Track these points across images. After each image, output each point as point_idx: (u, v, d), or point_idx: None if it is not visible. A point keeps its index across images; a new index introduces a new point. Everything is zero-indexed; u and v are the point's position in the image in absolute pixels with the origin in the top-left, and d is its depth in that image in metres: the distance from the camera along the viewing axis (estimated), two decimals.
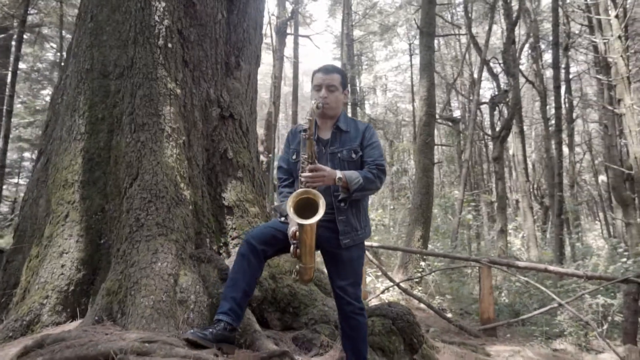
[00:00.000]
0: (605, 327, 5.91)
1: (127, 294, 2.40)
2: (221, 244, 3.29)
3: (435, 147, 13.93)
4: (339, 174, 2.34)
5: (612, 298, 6.10)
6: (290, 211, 2.21)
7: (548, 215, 22.90)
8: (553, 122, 17.97)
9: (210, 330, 2.20)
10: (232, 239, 3.34)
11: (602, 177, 30.47)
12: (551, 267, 5.92)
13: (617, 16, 15.39)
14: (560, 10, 22.81)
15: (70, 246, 2.84)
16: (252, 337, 2.55)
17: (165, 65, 3.30)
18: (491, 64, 14.11)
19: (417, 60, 30.79)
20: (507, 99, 12.44)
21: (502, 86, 13.46)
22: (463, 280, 8.51)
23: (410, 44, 24.54)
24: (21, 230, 3.39)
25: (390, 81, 38.90)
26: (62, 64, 4.02)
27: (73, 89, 3.36)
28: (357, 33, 26.46)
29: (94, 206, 3.01)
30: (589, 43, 21.86)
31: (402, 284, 6.58)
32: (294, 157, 2.56)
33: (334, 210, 2.42)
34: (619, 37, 15.48)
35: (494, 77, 13.71)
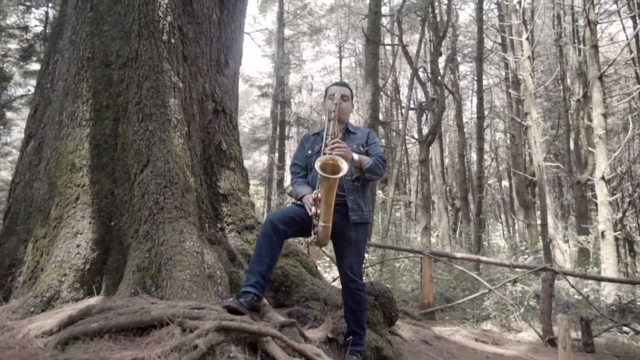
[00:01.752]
0: (522, 310, 6.80)
1: (160, 269, 2.61)
2: (217, 229, 3.54)
3: None
4: (355, 155, 2.78)
5: (528, 286, 7.03)
6: (317, 168, 2.59)
7: (458, 216, 24.75)
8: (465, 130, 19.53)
9: (243, 299, 2.50)
10: (228, 225, 3.61)
11: (505, 182, 33.35)
12: (483, 258, 6.73)
13: (527, 38, 17.11)
14: (476, 25, 24.68)
15: (83, 227, 2.97)
16: (262, 310, 2.86)
17: (168, 59, 3.49)
18: (420, 73, 15.12)
19: (345, 62, 31.61)
20: (434, 106, 13.43)
21: (429, 94, 14.49)
22: (400, 272, 9.23)
23: (340, 47, 25.30)
24: (13, 212, 3.41)
25: (316, 82, 39.66)
26: (45, 48, 4.01)
27: (73, 76, 3.43)
28: (287, 32, 26.85)
29: (104, 190, 3.14)
30: (500, 59, 23.93)
31: None
32: (309, 152, 2.99)
33: (344, 192, 2.83)
34: (529, 57, 17.22)
35: (422, 85, 14.71)
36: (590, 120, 17.04)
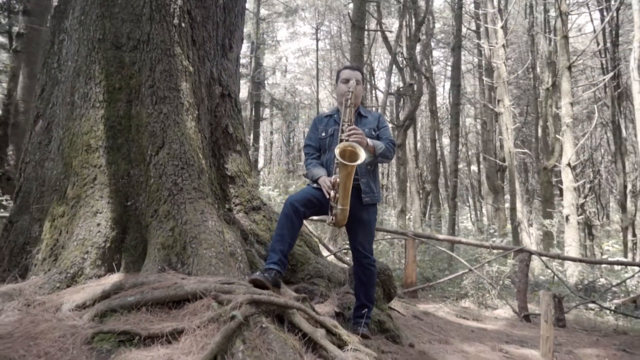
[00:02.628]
0: (497, 289, 7.21)
1: (185, 247, 2.75)
2: (226, 210, 3.67)
3: None
4: (369, 140, 2.97)
5: (503, 265, 7.44)
6: (337, 156, 2.77)
7: (428, 199, 25.33)
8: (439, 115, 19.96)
9: (266, 275, 2.67)
10: (235, 206, 3.75)
11: (474, 167, 34.22)
12: (464, 240, 7.07)
13: (502, 27, 17.49)
14: (450, 12, 24.99)
15: (102, 207, 3.06)
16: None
17: (179, 43, 3.56)
18: (398, 58, 15.32)
19: (322, 45, 31.48)
20: (412, 92, 13.70)
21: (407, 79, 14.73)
22: (380, 253, 9.54)
23: (316, 29, 25.22)
24: (24, 191, 3.46)
25: (290, 63, 39.48)
26: (50, 26, 3.99)
27: (84, 57, 3.47)
28: (262, 12, 26.57)
29: (120, 171, 3.22)
30: (474, 46, 24.37)
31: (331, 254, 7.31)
32: (323, 134, 3.16)
33: (358, 175, 3.02)
34: (503, 45, 17.63)
35: (400, 70, 14.94)
36: (558, 108, 17.69)
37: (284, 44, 33.71)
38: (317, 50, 24.41)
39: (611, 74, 19.07)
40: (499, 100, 17.89)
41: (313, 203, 2.98)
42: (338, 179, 2.86)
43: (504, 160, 19.12)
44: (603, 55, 22.67)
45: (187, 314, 2.29)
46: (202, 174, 3.23)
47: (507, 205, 19.70)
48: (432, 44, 26.68)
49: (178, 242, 2.79)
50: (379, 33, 16.64)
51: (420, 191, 25.49)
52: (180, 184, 3.05)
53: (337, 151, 2.81)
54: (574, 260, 8.24)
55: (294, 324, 2.39)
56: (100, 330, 2.16)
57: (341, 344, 2.49)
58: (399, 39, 13.76)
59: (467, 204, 39.16)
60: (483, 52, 20.86)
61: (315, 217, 6.99)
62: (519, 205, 15.92)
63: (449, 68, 25.86)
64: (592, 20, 23.61)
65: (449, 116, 22.50)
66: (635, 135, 19.14)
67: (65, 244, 2.97)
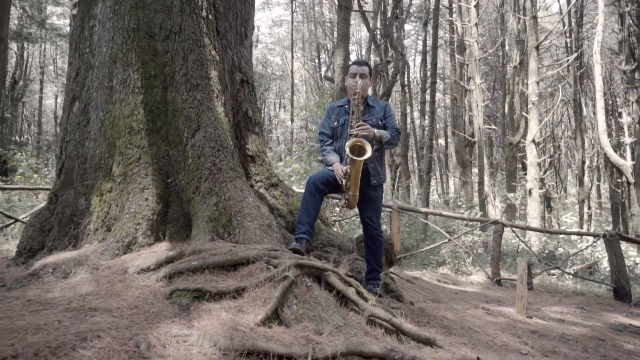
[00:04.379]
0: (471, 257, 7.93)
1: (231, 219, 3.19)
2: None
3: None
4: (376, 131, 3.43)
5: (477, 237, 8.16)
6: (347, 152, 3.25)
7: (397, 172, 26.13)
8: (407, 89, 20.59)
9: (299, 243, 3.16)
10: (256, 182, 4.18)
11: (441, 141, 35.22)
12: (444, 212, 7.71)
13: (475, 5, 18.01)
14: None
15: (148, 183, 3.45)
16: None
17: (207, 34, 3.91)
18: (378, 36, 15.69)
19: (295, 16, 31.32)
20: (389, 68, 14.15)
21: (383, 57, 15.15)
22: (357, 224, 10.15)
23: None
24: (67, 168, 3.78)
25: (262, 33, 39.04)
26: (78, 12, 4.23)
27: (119, 44, 3.77)
28: None
29: (161, 151, 3.60)
30: (446, 22, 24.84)
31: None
32: (335, 123, 3.60)
33: (367, 161, 3.50)
34: (476, 24, 18.20)
35: (378, 47, 15.34)
36: (525, 86, 18.52)
37: (256, 14, 33.20)
38: (292, 22, 24.38)
39: (575, 54, 19.96)
40: (470, 78, 18.60)
41: (331, 182, 3.45)
42: (349, 170, 3.34)
43: (472, 135, 19.98)
44: (568, 36, 23.61)
45: (245, 275, 2.76)
46: (235, 155, 3.65)
47: (475, 179, 20.69)
48: (404, 16, 27.04)
49: (223, 215, 3.23)
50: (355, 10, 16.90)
51: (391, 164, 26.26)
52: (219, 164, 3.46)
53: (347, 148, 3.27)
54: (540, 231, 9.05)
55: (329, 283, 2.89)
56: (176, 288, 2.60)
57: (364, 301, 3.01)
58: (377, 15, 14.10)
59: (434, 177, 40.36)
60: (456, 29, 21.40)
61: None
62: (486, 179, 16.80)
63: (420, 42, 26.29)
64: (559, 0, 24.42)
65: (419, 91, 23.17)
66: (595, 114, 20.26)
67: (117, 217, 3.36)
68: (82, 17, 4.15)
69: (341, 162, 3.49)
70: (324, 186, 3.42)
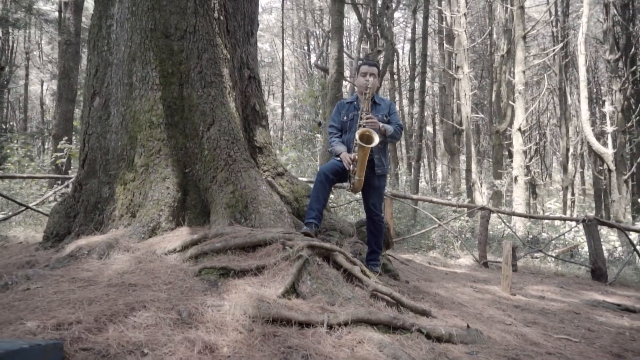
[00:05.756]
0: (459, 242, 8.36)
1: (246, 206, 3.53)
2: None
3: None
4: (381, 125, 3.78)
5: (465, 222, 8.59)
6: (357, 139, 3.60)
7: None
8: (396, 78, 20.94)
9: (309, 228, 3.51)
10: (264, 172, 4.51)
11: (429, 128, 35.67)
12: (434, 199, 8.12)
13: None
14: None
15: (169, 173, 3.77)
16: None
17: (219, 34, 4.20)
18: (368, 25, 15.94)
19: (287, 4, 31.30)
20: (380, 57, 14.45)
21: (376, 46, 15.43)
22: (350, 210, 10.57)
23: None
24: (90, 159, 4.08)
25: None
26: (95, 12, 4.48)
27: (138, 44, 4.05)
28: None
29: (179, 144, 3.92)
30: (435, 10, 25.11)
31: None
32: (344, 118, 3.94)
33: (372, 152, 3.86)
34: (464, 14, 18.51)
35: (369, 37, 15.60)
36: (511, 75, 18.95)
37: None
38: (283, 9, 24.46)
39: (561, 44, 20.39)
40: (459, 67, 18.95)
41: (339, 172, 3.81)
42: (357, 156, 3.69)
43: (460, 123, 20.41)
44: (554, 25, 24.05)
45: (263, 255, 3.11)
46: (247, 147, 3.97)
47: (462, 166, 21.17)
48: (393, 4, 27.29)
49: (240, 202, 3.57)
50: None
51: None
52: (234, 156, 3.79)
53: (357, 135, 3.64)
54: (524, 216, 9.53)
55: (337, 262, 3.26)
56: (204, 266, 2.95)
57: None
58: (369, 5, 14.35)
59: (422, 164, 40.89)
60: (444, 19, 21.70)
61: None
62: (473, 167, 17.27)
63: (409, 30, 26.56)
64: None
65: (408, 79, 23.52)
66: (579, 102, 20.79)
67: (141, 203, 3.68)
68: (100, 17, 4.41)
69: (349, 152, 3.85)
70: (333, 176, 3.78)
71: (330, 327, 2.51)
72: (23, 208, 6.52)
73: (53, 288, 2.72)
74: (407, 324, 2.72)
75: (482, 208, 7.36)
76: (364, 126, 3.72)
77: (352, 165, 3.74)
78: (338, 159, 3.87)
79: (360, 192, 4.04)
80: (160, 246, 3.34)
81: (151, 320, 2.30)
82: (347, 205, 10.07)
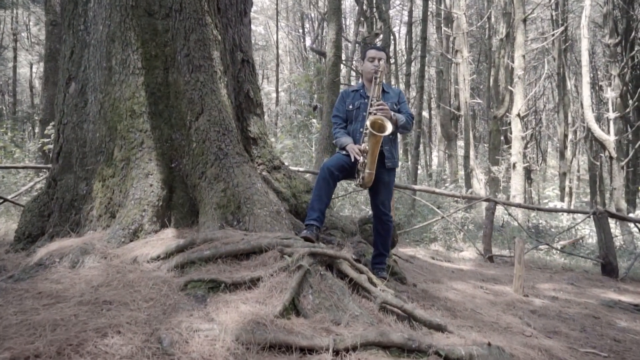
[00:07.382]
0: (462, 234, 8.04)
1: (239, 207, 3.14)
2: None
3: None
4: (392, 113, 3.42)
5: (467, 213, 8.26)
6: (369, 127, 3.24)
7: None
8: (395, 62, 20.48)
9: (310, 231, 3.14)
10: (259, 165, 4.12)
11: (425, 113, 35.25)
12: (437, 190, 7.77)
13: None
14: None
15: (152, 169, 3.37)
16: None
17: (209, 12, 3.77)
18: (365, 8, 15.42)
19: None
20: (378, 40, 13.98)
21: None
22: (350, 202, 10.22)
23: None
24: (66, 152, 3.67)
25: None
26: None
27: (117, 23, 3.61)
28: None
29: (164, 135, 3.51)
30: None
31: None
32: (350, 107, 3.57)
33: (382, 143, 3.48)
34: None
35: (366, 19, 15.10)
36: (511, 59, 18.52)
37: None
38: None
39: (562, 28, 19.96)
40: (457, 51, 18.50)
41: (345, 168, 3.44)
42: (367, 147, 3.32)
43: (458, 108, 20.02)
44: (554, 8, 23.55)
45: (258, 264, 2.74)
46: (240, 139, 3.58)
47: (459, 152, 20.84)
48: None
49: (232, 202, 3.18)
50: None
51: None
52: (225, 149, 3.40)
53: (368, 123, 3.26)
54: (532, 208, 9.20)
55: (342, 271, 2.90)
56: (191, 279, 2.58)
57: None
58: None
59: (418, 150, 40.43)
60: (443, 1, 21.16)
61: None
62: (472, 153, 16.93)
63: (405, 13, 25.96)
64: None
65: (404, 63, 23.00)
66: (581, 88, 20.43)
67: (122, 203, 3.29)
68: None
69: (355, 144, 3.47)
70: (339, 172, 3.41)
71: (336, 352, 2.16)
72: (0, 200, 6.10)
73: (14, 307, 2.35)
74: (424, 345, 2.37)
75: (488, 199, 7.03)
76: (375, 113, 3.34)
77: (361, 157, 3.37)
78: (344, 152, 3.49)
79: (368, 189, 3.67)
80: (141, 252, 2.96)
81: (125, 350, 1.94)
82: (342, 197, 9.71)
